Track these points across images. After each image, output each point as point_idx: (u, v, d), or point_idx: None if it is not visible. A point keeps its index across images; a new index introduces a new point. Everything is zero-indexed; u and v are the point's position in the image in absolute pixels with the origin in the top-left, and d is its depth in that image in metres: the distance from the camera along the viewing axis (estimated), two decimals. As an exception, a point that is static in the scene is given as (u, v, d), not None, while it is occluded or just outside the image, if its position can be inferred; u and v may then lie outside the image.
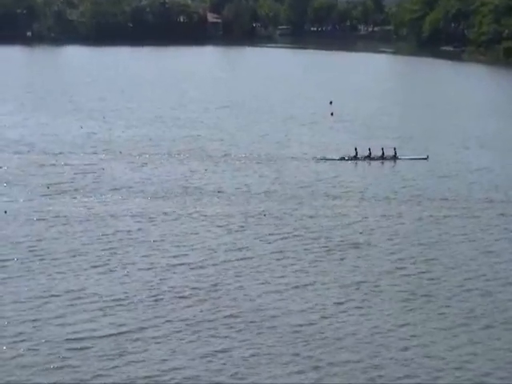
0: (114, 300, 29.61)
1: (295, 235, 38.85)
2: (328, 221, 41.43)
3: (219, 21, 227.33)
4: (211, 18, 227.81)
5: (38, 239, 36.94)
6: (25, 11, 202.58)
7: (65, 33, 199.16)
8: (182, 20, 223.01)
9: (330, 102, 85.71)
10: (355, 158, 57.89)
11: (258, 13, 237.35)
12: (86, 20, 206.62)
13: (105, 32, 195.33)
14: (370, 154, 58.11)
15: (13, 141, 61.68)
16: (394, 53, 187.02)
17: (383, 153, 58.14)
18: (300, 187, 48.60)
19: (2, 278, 31.50)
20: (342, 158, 57.64)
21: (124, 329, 27.13)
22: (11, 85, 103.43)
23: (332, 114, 79.20)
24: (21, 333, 26.46)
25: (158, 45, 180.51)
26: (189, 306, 29.27)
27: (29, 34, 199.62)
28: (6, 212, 41.45)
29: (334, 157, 58.08)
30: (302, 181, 50.42)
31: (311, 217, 42.11)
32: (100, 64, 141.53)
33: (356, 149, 58.36)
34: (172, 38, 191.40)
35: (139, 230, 38.89)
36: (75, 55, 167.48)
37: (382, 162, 57.47)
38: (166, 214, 41.86)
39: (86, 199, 44.63)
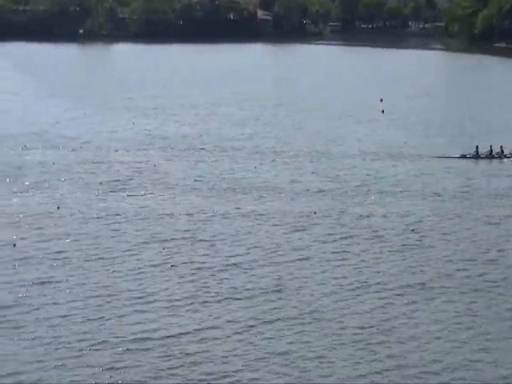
0: (173, 300, 29.15)
1: (355, 234, 38.13)
2: (389, 220, 40.57)
3: (269, 18, 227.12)
4: (261, 14, 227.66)
5: (93, 237, 36.69)
6: (77, 9, 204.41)
7: (116, 30, 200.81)
8: (231, 17, 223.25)
9: (381, 100, 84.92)
10: (477, 155, 56.45)
11: (308, 9, 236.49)
12: (137, 17, 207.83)
13: (155, 29, 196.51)
14: (491, 151, 56.66)
15: (66, 138, 61.88)
16: (445, 50, 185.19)
17: (502, 151, 56.70)
18: (358, 185, 47.88)
19: (61, 277, 31.22)
20: (463, 156, 56.28)
21: (185, 329, 26.67)
22: (65, 82, 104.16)
23: (383, 111, 78.45)
24: (82, 332, 26.16)
25: (207, 42, 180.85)
26: (249, 307, 28.72)
27: (81, 31, 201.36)
28: (58, 208, 41.44)
29: (455, 154, 56.60)
30: (361, 178, 49.69)
31: (370, 215, 41.32)
32: (151, 61, 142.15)
33: (477, 146, 56.95)
34: (222, 35, 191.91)
35: (194, 228, 38.44)
36: (126, 52, 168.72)
37: (501, 161, 56.33)
38: (219, 211, 41.39)
39: (139, 196, 44.41)
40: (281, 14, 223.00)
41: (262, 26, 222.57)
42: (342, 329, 27.07)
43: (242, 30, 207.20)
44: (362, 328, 27.15)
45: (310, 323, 27.54)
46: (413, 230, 38.73)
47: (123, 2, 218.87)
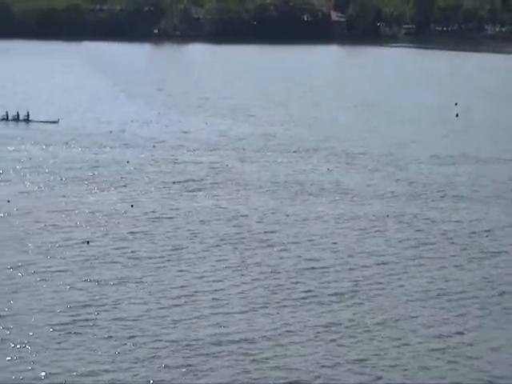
0: (247, 302, 29.02)
1: (429, 239, 37.60)
2: (464, 225, 39.90)
3: (343, 19, 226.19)
4: (335, 16, 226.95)
5: (166, 236, 36.81)
6: (152, 9, 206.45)
7: (190, 30, 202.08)
8: (305, 18, 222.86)
9: (456, 104, 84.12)
10: None
11: (382, 12, 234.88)
12: (211, 17, 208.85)
13: (229, 29, 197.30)
14: None
15: (141, 137, 62.49)
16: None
17: None
18: (431, 189, 47.31)
19: (135, 276, 31.38)
20: None
21: (258, 332, 26.50)
22: (140, 82, 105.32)
23: (457, 115, 77.64)
24: (156, 332, 26.23)
25: (281, 43, 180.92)
26: (323, 311, 28.45)
27: (155, 31, 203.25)
28: (132, 206, 41.83)
29: None
30: (435, 182, 49.11)
31: (444, 220, 40.73)
32: (226, 61, 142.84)
33: None
34: (295, 36, 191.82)
35: (267, 229, 38.28)
36: (200, 52, 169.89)
37: None
38: (292, 214, 41.19)
39: (212, 196, 44.49)
40: (355, 15, 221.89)
41: (336, 28, 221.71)
42: (417, 336, 26.60)
43: (315, 32, 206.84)
44: (438, 337, 26.64)
45: (384, 329, 27.16)
46: (487, 236, 38.11)
47: (198, 3, 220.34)
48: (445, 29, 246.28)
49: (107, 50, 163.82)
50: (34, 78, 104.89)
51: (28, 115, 68.08)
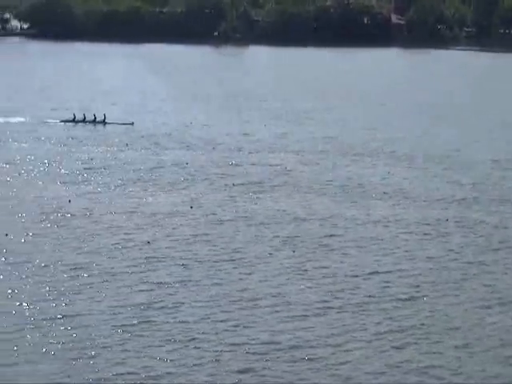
0: (305, 305, 28.90)
1: (490, 245, 37.07)
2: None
3: (403, 22, 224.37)
4: (395, 19, 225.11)
5: (226, 238, 36.84)
6: (212, 11, 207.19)
7: (250, 33, 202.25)
8: (365, 21, 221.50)
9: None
10: None
11: (443, 14, 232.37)
12: (271, 20, 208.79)
13: (289, 32, 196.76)
14: None
15: (200, 138, 62.72)
16: None
17: None
18: (492, 194, 46.65)
19: (194, 278, 31.45)
20: None
21: (316, 335, 26.38)
22: (200, 83, 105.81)
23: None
24: (215, 334, 26.24)
25: (341, 45, 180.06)
26: (381, 315, 28.24)
27: (215, 33, 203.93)
28: (191, 207, 42.00)
29: None
30: (496, 187, 48.45)
31: (507, 226, 40.14)
32: (284, 64, 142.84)
33: None
34: (355, 39, 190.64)
35: (325, 232, 38.08)
36: (260, 55, 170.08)
37: None
38: (351, 217, 40.98)
39: (270, 199, 44.45)
40: (415, 18, 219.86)
41: (396, 31, 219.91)
42: (481, 344, 26.23)
43: (375, 35, 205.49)
44: (503, 345, 26.23)
45: (446, 336, 26.81)
46: None
47: (257, 5, 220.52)
48: (507, 31, 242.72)
49: (167, 51, 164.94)
50: (96, 80, 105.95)
51: (105, 117, 68.80)
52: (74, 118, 69.13)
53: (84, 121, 68.89)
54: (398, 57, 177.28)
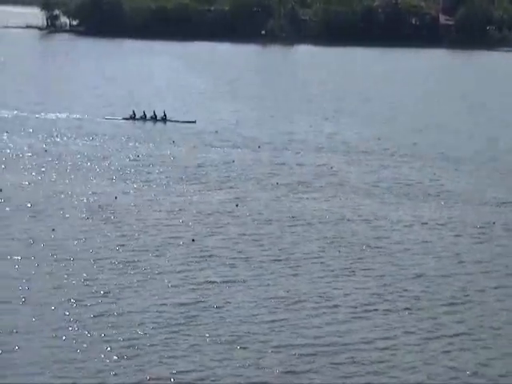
0: (351, 307, 28.77)
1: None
2: None
3: (451, 23, 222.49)
4: (443, 19, 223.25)
5: (271, 237, 36.76)
6: (259, 10, 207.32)
7: (297, 32, 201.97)
8: (413, 21, 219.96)
9: None
10: None
11: (492, 15, 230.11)
12: (318, 19, 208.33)
13: (336, 31, 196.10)
14: None
15: (246, 137, 62.74)
16: None
17: None
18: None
19: (240, 277, 31.41)
20: None
21: (362, 337, 26.24)
22: (247, 83, 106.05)
23: None
24: (261, 334, 26.22)
25: (388, 46, 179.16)
26: (428, 318, 27.92)
27: (262, 32, 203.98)
28: (237, 205, 42.00)
29: None
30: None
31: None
32: (332, 63, 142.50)
33: None
34: (403, 39, 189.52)
35: (371, 234, 37.86)
36: (307, 54, 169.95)
37: None
38: (398, 218, 40.67)
39: (316, 199, 44.32)
40: (464, 19, 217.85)
41: (444, 32, 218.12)
42: None
43: (423, 35, 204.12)
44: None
45: (493, 339, 26.55)
46: None
47: (305, 4, 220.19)
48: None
49: (215, 49, 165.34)
50: (145, 77, 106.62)
51: (165, 115, 69.16)
52: (134, 115, 69.47)
53: (144, 118, 69.17)
54: (445, 57, 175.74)
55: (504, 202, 44.96)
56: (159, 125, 68.00)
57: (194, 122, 68.28)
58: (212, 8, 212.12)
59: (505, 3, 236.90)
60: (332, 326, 27.16)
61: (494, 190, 47.72)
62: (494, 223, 40.47)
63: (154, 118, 69.09)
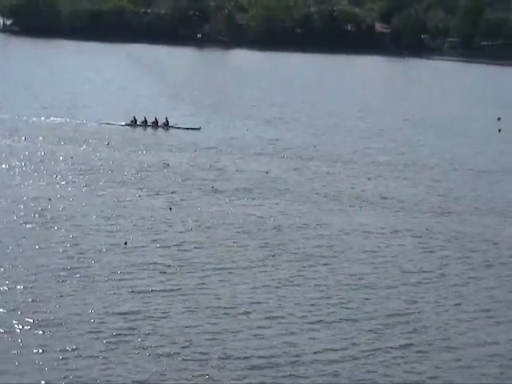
0: (287, 319, 28.24)
1: (468, 255, 37.02)
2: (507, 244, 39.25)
3: (387, 31, 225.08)
4: (379, 27, 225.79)
5: (209, 245, 36.23)
6: (197, 13, 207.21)
7: (234, 36, 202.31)
8: (349, 28, 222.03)
9: (498, 119, 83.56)
10: None
11: (427, 24, 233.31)
12: (256, 24, 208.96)
13: (273, 37, 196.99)
14: None
15: (182, 141, 62.48)
16: None
17: None
18: (473, 204, 46.74)
19: (179, 288, 30.84)
20: None
21: (309, 349, 25.93)
22: (186, 86, 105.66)
23: (500, 130, 77.09)
24: (200, 345, 25.71)
25: (325, 52, 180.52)
26: (371, 331, 27.70)
27: (199, 35, 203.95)
28: (170, 209, 41.73)
29: None
30: (477, 197, 48.62)
31: (484, 237, 40.00)
32: (270, 69, 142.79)
33: None
34: (339, 46, 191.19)
35: (312, 243, 37.49)
36: (244, 58, 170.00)
37: None
38: (335, 225, 40.47)
39: (252, 205, 43.69)
40: (399, 27, 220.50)
41: (380, 39, 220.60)
42: (477, 360, 25.97)
43: (359, 42, 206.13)
44: (490, 360, 26.04)
45: (434, 351, 26.38)
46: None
47: (242, 9, 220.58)
48: (490, 43, 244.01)
49: (152, 52, 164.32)
50: (82, 78, 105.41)
51: (167, 121, 68.52)
52: (135, 121, 68.68)
53: (145, 124, 68.45)
54: (380, 65, 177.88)
55: (439, 209, 45.45)
56: (157, 131, 67.40)
57: (199, 128, 67.69)
58: (149, 11, 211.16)
59: (440, 13, 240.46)
60: (273, 337, 26.67)
61: (429, 197, 48.20)
62: (426, 229, 40.82)
63: (155, 124, 68.42)
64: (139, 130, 66.89)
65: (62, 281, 30.55)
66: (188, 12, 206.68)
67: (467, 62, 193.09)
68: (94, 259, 33.26)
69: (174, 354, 24.99)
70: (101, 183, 46.83)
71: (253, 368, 24.42)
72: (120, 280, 31.02)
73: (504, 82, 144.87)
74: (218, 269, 33.05)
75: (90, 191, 44.88)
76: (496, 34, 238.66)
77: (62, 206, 41.08)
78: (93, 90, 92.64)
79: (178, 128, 67.77)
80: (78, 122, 67.97)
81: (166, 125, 68.34)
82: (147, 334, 26.22)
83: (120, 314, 27.70)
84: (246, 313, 28.56)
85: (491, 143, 71.06)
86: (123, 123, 68.11)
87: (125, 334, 26.09)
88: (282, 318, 28.30)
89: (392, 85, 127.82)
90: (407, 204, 46.09)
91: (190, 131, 66.87)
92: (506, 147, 68.87)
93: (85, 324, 26.72)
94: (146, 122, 68.39)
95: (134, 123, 68.20)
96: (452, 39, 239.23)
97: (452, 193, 49.75)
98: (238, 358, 24.93)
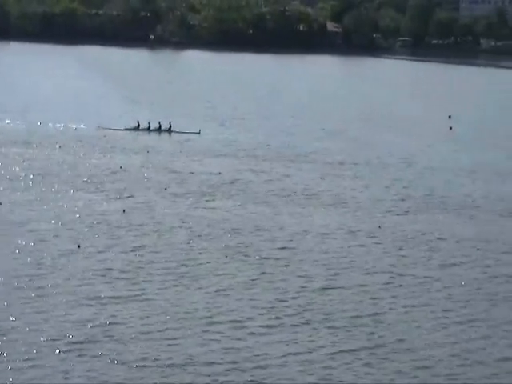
0: (240, 323, 27.74)
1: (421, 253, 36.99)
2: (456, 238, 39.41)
3: (339, 30, 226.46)
4: (331, 27, 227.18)
5: (165, 248, 35.74)
6: (149, 15, 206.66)
7: (186, 37, 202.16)
8: (301, 28, 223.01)
9: (449, 117, 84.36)
10: None
11: (378, 23, 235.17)
12: (208, 25, 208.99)
13: (225, 38, 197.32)
14: None
15: (137, 142, 62.26)
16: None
17: None
18: (424, 202, 47.01)
19: (136, 294, 30.58)
20: None
21: (272, 353, 25.56)
22: (140, 87, 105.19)
23: (451, 128, 77.88)
24: (162, 353, 25.36)
25: (277, 52, 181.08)
26: (337, 332, 27.52)
27: (151, 37, 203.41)
28: (124, 211, 41.47)
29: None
30: (428, 195, 48.86)
31: (433, 233, 40.05)
32: (222, 69, 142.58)
33: None
34: (291, 46, 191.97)
35: (271, 245, 37.20)
36: (198, 59, 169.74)
37: None
38: (293, 226, 40.24)
39: (209, 207, 43.47)
40: (351, 27, 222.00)
41: (332, 39, 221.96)
42: (435, 360, 25.86)
43: (311, 42, 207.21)
44: (448, 361, 25.98)
45: (397, 353, 26.10)
46: (478, 250, 37.99)
47: (194, 10, 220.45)
48: (441, 42, 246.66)
49: (104, 53, 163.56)
50: (32, 81, 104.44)
51: (170, 126, 68.13)
52: (139, 126, 68.17)
53: (149, 129, 68.01)
54: (332, 64, 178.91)
55: (390, 207, 45.66)
56: (165, 135, 67.27)
57: (198, 132, 67.61)
58: (101, 12, 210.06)
59: (391, 12, 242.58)
60: (235, 341, 26.28)
61: (384, 196, 48.38)
62: (379, 227, 40.86)
63: (159, 129, 68.03)
64: (93, 132, 66.24)
65: (16, 288, 29.91)
66: (140, 13, 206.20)
67: (418, 60, 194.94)
68: (48, 265, 32.66)
69: (132, 361, 24.56)
70: (51, 187, 46.18)
71: (213, 373, 24.10)
72: (76, 286, 30.46)
73: (454, 80, 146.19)
74: (175, 273, 32.60)
75: (43, 196, 44.18)
76: (446, 32, 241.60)
77: (14, 212, 40.45)
78: (43, 92, 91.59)
79: (180, 132, 67.68)
80: (31, 124, 67.29)
81: (169, 129, 68.14)
82: (105, 342, 25.71)
83: (76, 321, 27.14)
84: (205, 317, 28.14)
85: (443, 141, 71.61)
86: (122, 128, 67.95)
87: (82, 342, 25.54)
88: (241, 322, 27.89)
89: (343, 84, 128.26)
90: (362, 203, 46.08)
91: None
92: (457, 145, 69.47)
93: (40, 332, 26.13)
94: (149, 127, 68.24)
95: (137, 128, 68.06)
96: (403, 38, 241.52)
97: (407, 191, 49.92)
98: (199, 363, 24.60)
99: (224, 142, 65.31)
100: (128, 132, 67.09)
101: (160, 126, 68.26)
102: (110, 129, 67.52)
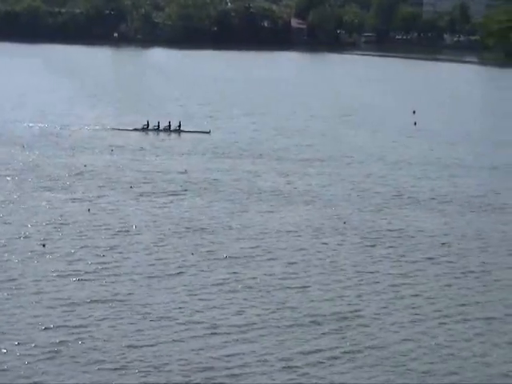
0: (230, 325, 27.61)
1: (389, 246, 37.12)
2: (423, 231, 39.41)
3: (304, 26, 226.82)
4: (295, 23, 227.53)
5: (132, 247, 35.70)
6: (113, 12, 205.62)
7: (150, 35, 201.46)
8: (266, 25, 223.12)
9: (414, 112, 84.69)
10: None
11: (342, 19, 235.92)
12: (172, 23, 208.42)
13: (190, 35, 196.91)
14: None
15: (101, 141, 61.81)
16: (481, 63, 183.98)
17: None
18: (390, 196, 47.17)
19: (109, 294, 30.54)
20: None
21: (246, 357, 25.40)
22: (105, 86, 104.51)
23: (415, 123, 78.18)
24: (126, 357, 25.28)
25: (242, 49, 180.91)
26: (314, 335, 27.51)
27: (115, 34, 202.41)
28: (89, 210, 41.18)
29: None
30: (392, 189, 48.94)
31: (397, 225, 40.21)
32: (186, 67, 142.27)
33: None
34: (256, 43, 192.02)
35: (241, 244, 37.10)
36: (162, 57, 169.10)
37: None
38: (263, 224, 40.21)
39: (171, 204, 43.31)
40: (315, 23, 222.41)
41: (296, 35, 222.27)
42: (406, 357, 26.00)
43: (275, 38, 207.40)
44: (417, 358, 26.11)
45: (374, 357, 25.90)
46: (444, 244, 38.13)
47: (158, 7, 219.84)
48: (405, 37, 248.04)
49: (67, 52, 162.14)
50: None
51: (180, 125, 67.64)
52: (148, 125, 67.64)
53: (157, 129, 67.50)
54: (296, 60, 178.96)
55: (355, 202, 45.88)
56: (175, 135, 66.94)
57: (209, 132, 67.28)
58: (63, 10, 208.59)
59: (355, 8, 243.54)
60: (207, 341, 26.17)
61: (351, 192, 48.44)
62: (344, 223, 40.94)
63: (168, 129, 67.57)
64: (57, 131, 65.69)
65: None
66: (104, 11, 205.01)
67: (382, 56, 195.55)
68: (13, 267, 32.29)
69: (103, 363, 24.38)
70: (15, 188, 45.81)
71: (187, 376, 23.96)
72: (43, 288, 30.20)
73: (418, 76, 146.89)
74: (144, 273, 32.37)
75: (5, 196, 43.77)
76: (410, 28, 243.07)
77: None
78: (6, 92, 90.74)
79: (189, 132, 67.44)
80: None
81: (179, 129, 67.73)
82: (74, 345, 25.47)
83: (45, 323, 26.89)
84: (175, 318, 27.97)
85: (408, 136, 71.87)
86: (131, 128, 67.63)
87: (51, 345, 25.34)
88: (212, 321, 27.78)
89: (308, 80, 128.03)
90: (329, 200, 46.10)
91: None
92: (421, 140, 69.75)
93: (8, 335, 25.87)
94: (158, 126, 67.77)
95: (146, 128, 67.63)
96: (368, 34, 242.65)
97: (374, 187, 50.01)
98: (172, 366, 24.43)
99: (190, 139, 64.94)
100: (92, 130, 66.54)
101: (169, 126, 67.89)
102: (119, 129, 67.22)
